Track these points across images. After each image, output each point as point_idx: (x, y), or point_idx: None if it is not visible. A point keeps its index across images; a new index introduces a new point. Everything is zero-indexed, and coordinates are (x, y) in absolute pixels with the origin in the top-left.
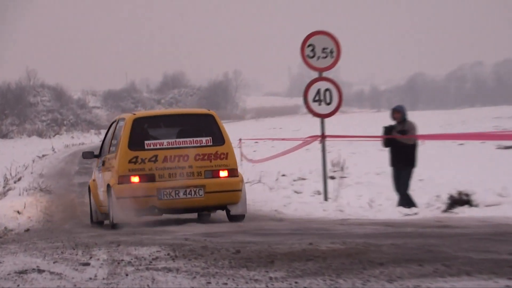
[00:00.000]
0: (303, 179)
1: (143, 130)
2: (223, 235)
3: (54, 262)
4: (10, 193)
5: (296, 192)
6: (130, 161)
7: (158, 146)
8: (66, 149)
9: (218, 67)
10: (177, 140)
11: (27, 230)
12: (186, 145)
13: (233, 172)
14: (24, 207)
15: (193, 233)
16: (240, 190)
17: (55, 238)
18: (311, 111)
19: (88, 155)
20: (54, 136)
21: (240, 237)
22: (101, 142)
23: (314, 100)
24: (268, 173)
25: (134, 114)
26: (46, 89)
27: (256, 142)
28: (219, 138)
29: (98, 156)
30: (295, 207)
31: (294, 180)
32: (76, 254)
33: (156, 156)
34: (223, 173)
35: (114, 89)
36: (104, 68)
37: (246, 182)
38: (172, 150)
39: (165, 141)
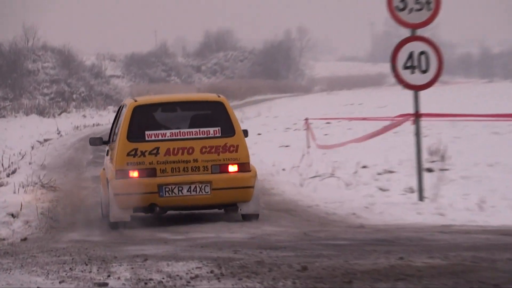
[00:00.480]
0: (391, 172)
1: (144, 119)
2: (283, 245)
3: (60, 282)
4: (2, 189)
5: (381, 189)
6: (128, 154)
7: (160, 138)
8: (76, 132)
9: (277, 23)
10: (182, 130)
11: (25, 239)
12: (191, 136)
13: (244, 167)
14: (21, 208)
15: (240, 240)
16: (252, 187)
17: (61, 249)
18: (401, 81)
19: (95, 141)
20: (59, 114)
21: (307, 249)
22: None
23: (406, 67)
24: (344, 163)
25: (136, 100)
26: (49, 53)
27: (328, 123)
28: (229, 128)
29: (107, 143)
30: (380, 209)
31: (379, 174)
32: (90, 272)
33: (157, 148)
34: (233, 168)
35: (140, 52)
36: (126, 26)
37: (315, 176)
38: (175, 142)
39: (168, 132)
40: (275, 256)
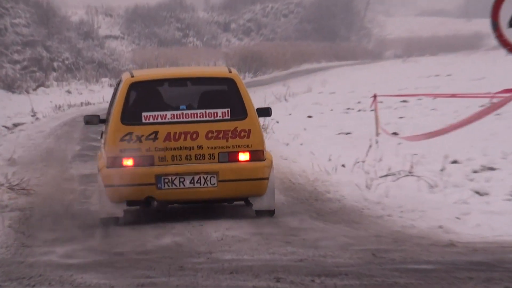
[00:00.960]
0: (491, 169)
1: (141, 97)
2: (343, 271)
3: None
4: None
5: (478, 193)
6: (122, 139)
7: (159, 120)
8: (58, 114)
9: None
10: (185, 112)
11: None
12: (196, 119)
13: (257, 155)
14: None
15: (283, 262)
16: (266, 179)
17: (36, 277)
18: (505, 43)
19: (92, 119)
20: (35, 89)
21: (376, 275)
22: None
23: None
24: (426, 157)
25: (132, 75)
26: (21, 5)
27: (404, 102)
28: (240, 109)
29: (104, 122)
30: (476, 220)
31: (475, 172)
32: None
33: (156, 132)
34: (244, 156)
35: (145, 4)
36: None
37: (387, 175)
38: (177, 126)
39: (168, 113)
40: (333, 286)
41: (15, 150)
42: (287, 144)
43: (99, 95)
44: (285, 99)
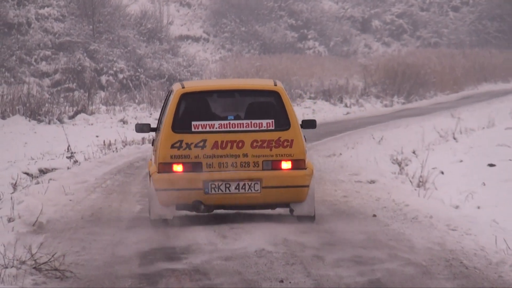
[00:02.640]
0: None
1: (191, 107)
2: None
3: None
4: None
5: None
6: (173, 146)
7: (207, 129)
8: (107, 156)
9: None
10: (232, 122)
11: None
12: (242, 129)
13: (298, 164)
14: None
15: None
16: (307, 186)
17: None
18: None
19: (143, 128)
20: (73, 117)
21: None
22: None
23: None
24: None
25: (183, 87)
26: None
27: None
28: (284, 121)
29: (156, 130)
30: None
31: None
32: None
33: (204, 141)
34: (286, 165)
35: None
36: None
37: None
38: (224, 134)
39: (216, 123)
40: None
41: (43, 210)
42: (457, 207)
43: None
44: (454, 138)
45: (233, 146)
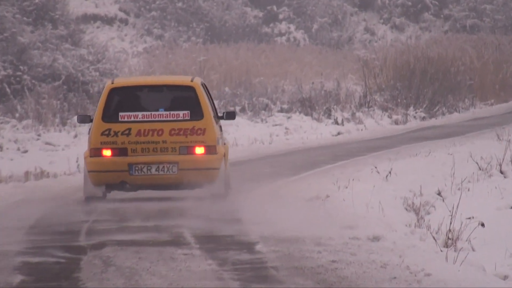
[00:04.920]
0: None
1: (119, 100)
2: None
3: None
4: None
5: None
6: (102, 133)
7: (132, 119)
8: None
9: None
10: (153, 113)
11: None
12: (161, 119)
13: (210, 149)
14: None
15: None
16: (217, 169)
17: None
18: None
19: (85, 119)
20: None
21: None
22: None
23: None
24: None
25: (112, 82)
26: None
27: None
28: (198, 112)
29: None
30: None
31: None
32: None
33: (129, 129)
34: (199, 150)
35: None
36: None
37: None
38: (146, 124)
39: (140, 114)
40: None
41: None
42: (505, 278)
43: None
44: (501, 172)
45: (154, 134)
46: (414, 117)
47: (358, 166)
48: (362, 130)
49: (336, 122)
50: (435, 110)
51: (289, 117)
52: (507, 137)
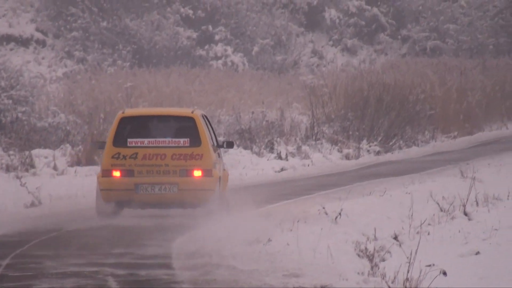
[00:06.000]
0: None
1: (128, 128)
2: None
3: None
4: None
5: None
6: (113, 157)
7: (139, 145)
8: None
9: None
10: (157, 139)
11: None
12: (164, 145)
13: (207, 172)
14: None
15: None
16: (212, 190)
17: None
18: None
19: (102, 145)
20: None
21: None
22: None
23: None
24: None
25: (123, 112)
26: None
27: None
28: (196, 139)
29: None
30: None
31: None
32: None
33: (136, 153)
34: (197, 173)
35: None
36: None
37: None
38: (151, 149)
39: (146, 140)
40: None
41: None
42: None
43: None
44: (465, 213)
45: (158, 158)
46: (368, 151)
47: (304, 206)
48: (308, 165)
49: (280, 157)
50: (391, 143)
51: (225, 151)
52: (471, 174)
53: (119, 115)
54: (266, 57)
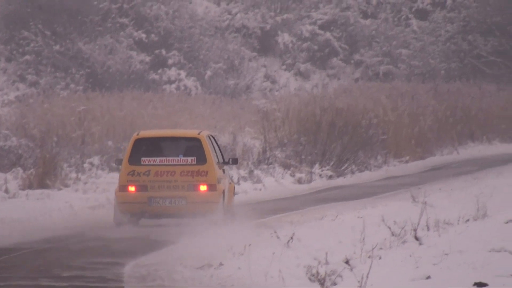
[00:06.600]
0: None
1: (142, 148)
2: None
3: None
4: None
5: None
6: (128, 173)
7: (151, 163)
8: None
9: None
10: (167, 158)
11: None
12: (174, 163)
13: (211, 187)
14: None
15: None
16: (216, 202)
17: None
18: None
19: (118, 162)
20: None
21: None
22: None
23: None
24: None
25: (138, 134)
26: None
27: None
28: (202, 158)
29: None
30: None
31: None
32: None
33: (149, 170)
34: (203, 187)
35: None
36: None
37: None
38: (162, 167)
39: (157, 159)
40: None
41: None
42: None
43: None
44: (416, 238)
45: (168, 174)
46: (320, 175)
47: (256, 230)
48: (260, 190)
49: (231, 181)
50: (343, 168)
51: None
52: (423, 199)
53: (134, 136)
54: (219, 81)
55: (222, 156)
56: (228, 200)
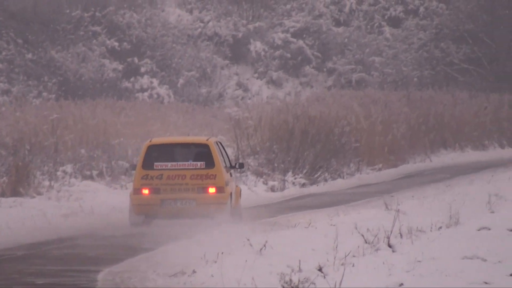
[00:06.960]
0: None
1: (154, 154)
2: None
3: None
4: None
5: None
6: (142, 177)
7: (163, 167)
8: None
9: None
10: (178, 163)
11: None
12: (184, 167)
13: (220, 189)
14: None
15: None
16: (224, 203)
17: None
18: None
19: (133, 167)
20: None
21: None
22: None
23: None
24: None
25: (150, 141)
26: None
27: None
28: (211, 162)
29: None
30: None
31: None
32: None
33: (162, 174)
34: (212, 190)
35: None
36: None
37: None
38: (174, 171)
39: (169, 164)
40: None
41: None
42: None
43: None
44: (389, 245)
45: (179, 178)
46: (293, 183)
47: (229, 238)
48: None
49: None
50: (316, 175)
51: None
52: (396, 206)
53: (147, 143)
54: (192, 89)
55: (229, 160)
56: (235, 202)
